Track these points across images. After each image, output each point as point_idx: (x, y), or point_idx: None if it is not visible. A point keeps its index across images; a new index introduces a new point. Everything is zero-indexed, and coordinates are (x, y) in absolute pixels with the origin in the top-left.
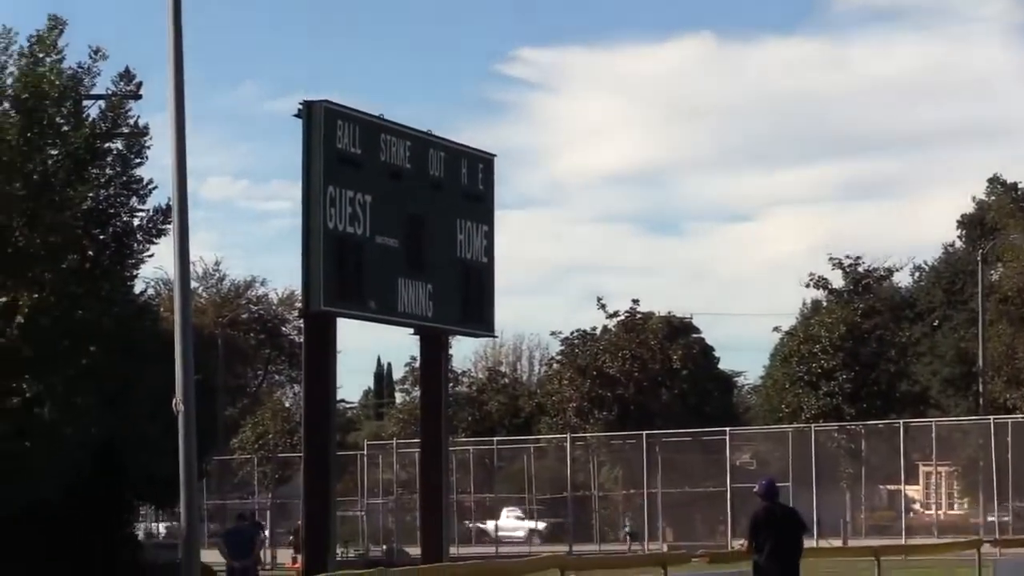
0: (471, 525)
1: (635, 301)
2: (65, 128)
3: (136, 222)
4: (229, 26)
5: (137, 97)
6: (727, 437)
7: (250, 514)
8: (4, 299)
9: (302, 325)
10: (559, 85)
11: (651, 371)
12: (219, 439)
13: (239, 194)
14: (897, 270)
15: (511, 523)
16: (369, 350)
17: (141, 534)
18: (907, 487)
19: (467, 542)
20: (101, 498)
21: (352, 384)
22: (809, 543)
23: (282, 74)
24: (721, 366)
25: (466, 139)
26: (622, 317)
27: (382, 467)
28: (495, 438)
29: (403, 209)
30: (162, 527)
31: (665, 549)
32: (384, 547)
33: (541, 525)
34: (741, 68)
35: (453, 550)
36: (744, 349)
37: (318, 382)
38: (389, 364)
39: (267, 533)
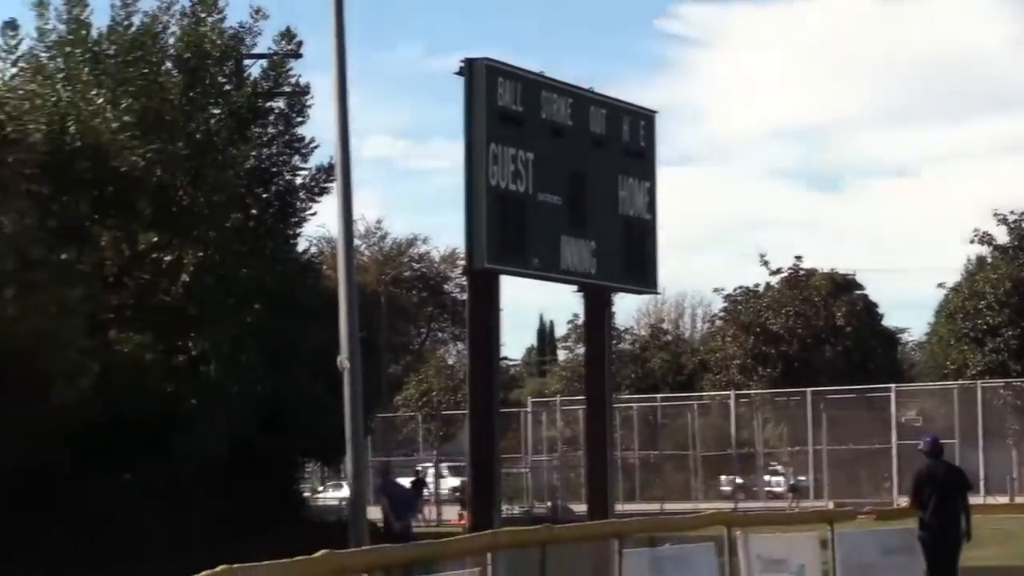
0: (729, 479)
1: (798, 258)
2: (227, 87)
3: (299, 180)
4: None
5: (298, 56)
6: (892, 394)
7: (415, 472)
8: (169, 258)
9: (465, 283)
10: (721, 41)
11: (815, 328)
12: (383, 396)
13: (400, 152)
14: None
15: (772, 478)
16: (531, 308)
17: (307, 491)
18: None
19: (724, 497)
20: (266, 455)
21: (515, 342)
22: (976, 500)
23: (443, 32)
24: (885, 323)
25: (627, 96)
26: (785, 274)
27: (546, 424)
28: (658, 395)
29: (565, 166)
30: (327, 484)
31: (831, 506)
32: (549, 504)
33: (801, 478)
34: (905, 22)
35: (704, 504)
36: (908, 306)
37: (482, 340)
38: (551, 322)
39: (431, 490)
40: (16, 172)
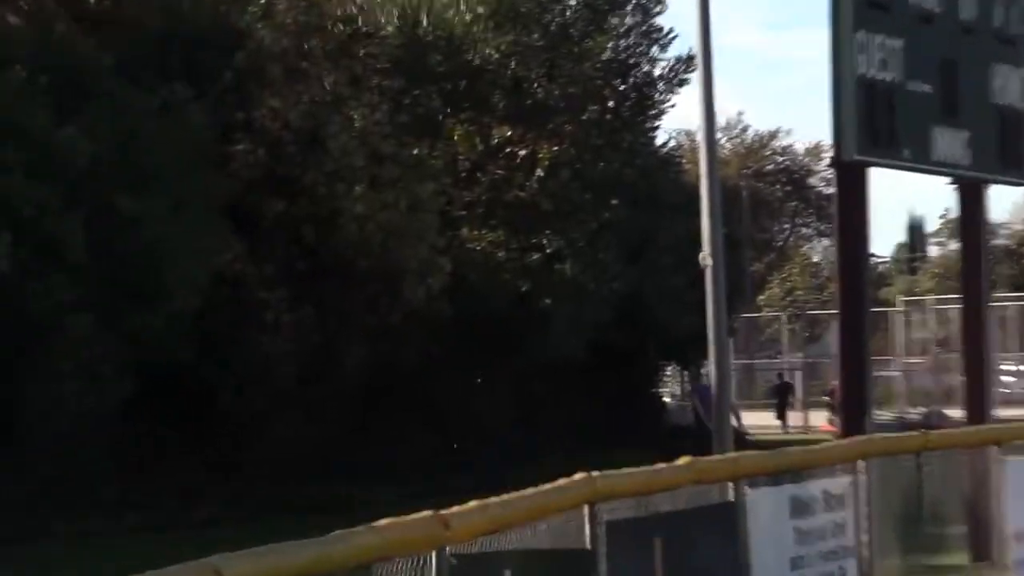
0: None
1: None
2: None
3: (657, 72)
4: None
5: None
6: None
7: (778, 376)
8: (523, 152)
9: (831, 176)
10: None
11: None
12: (746, 295)
13: (760, 43)
14: None
15: None
16: (899, 202)
17: (667, 395)
18: None
19: None
20: (624, 356)
21: (882, 238)
22: None
23: None
24: None
25: None
26: None
27: (916, 325)
28: None
29: (935, 53)
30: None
31: None
32: (922, 409)
33: None
34: None
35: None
36: None
37: (850, 235)
38: (922, 216)
39: (798, 395)
40: (367, 66)
